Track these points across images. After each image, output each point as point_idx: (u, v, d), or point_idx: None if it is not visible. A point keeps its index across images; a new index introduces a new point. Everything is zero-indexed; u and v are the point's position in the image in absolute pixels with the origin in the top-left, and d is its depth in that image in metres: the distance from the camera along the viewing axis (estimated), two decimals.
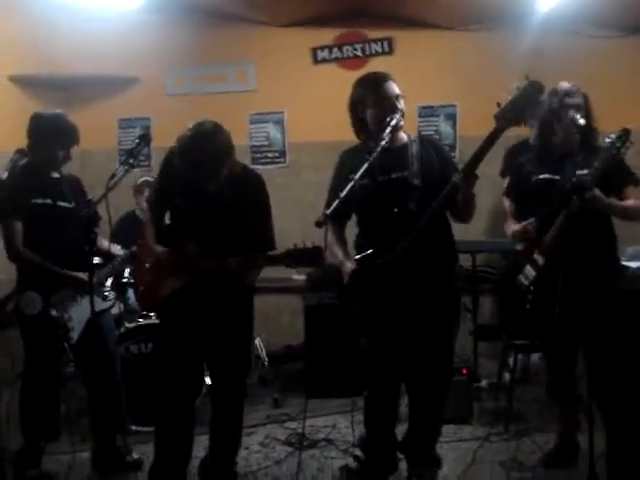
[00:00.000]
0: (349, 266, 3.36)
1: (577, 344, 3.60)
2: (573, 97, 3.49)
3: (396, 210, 3.28)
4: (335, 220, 3.39)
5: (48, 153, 3.82)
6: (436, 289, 3.31)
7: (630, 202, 3.43)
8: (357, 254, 3.41)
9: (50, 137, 3.79)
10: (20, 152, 3.68)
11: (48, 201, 3.81)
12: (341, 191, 3.09)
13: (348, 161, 3.44)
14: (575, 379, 3.73)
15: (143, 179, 5.51)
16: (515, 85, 2.97)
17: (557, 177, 3.51)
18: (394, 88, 3.35)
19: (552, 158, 3.56)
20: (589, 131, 3.50)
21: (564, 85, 3.55)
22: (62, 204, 3.85)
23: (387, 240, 3.26)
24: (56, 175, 3.91)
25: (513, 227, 3.65)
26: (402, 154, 3.35)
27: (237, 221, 3.45)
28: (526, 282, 3.55)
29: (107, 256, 4.00)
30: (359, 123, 3.43)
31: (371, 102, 3.33)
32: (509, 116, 2.96)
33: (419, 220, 3.17)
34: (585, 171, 3.29)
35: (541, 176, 3.56)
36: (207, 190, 3.45)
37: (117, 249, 4.08)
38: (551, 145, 3.58)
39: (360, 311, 3.34)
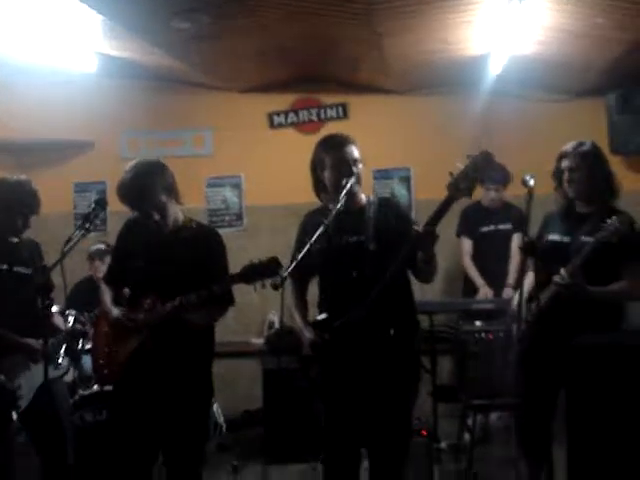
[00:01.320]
0: (307, 334, 3.34)
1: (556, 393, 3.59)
2: (566, 159, 3.54)
3: (354, 274, 3.28)
4: (295, 281, 3.40)
5: (8, 219, 3.78)
6: (396, 354, 3.29)
7: (619, 285, 3.45)
8: (319, 314, 3.40)
9: (11, 204, 3.75)
10: None
11: (4, 266, 3.75)
12: (299, 253, 3.11)
13: (309, 223, 3.44)
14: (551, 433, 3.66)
15: (96, 247, 5.47)
16: (466, 155, 3.04)
17: (566, 239, 3.55)
18: (353, 152, 3.37)
19: (570, 217, 3.60)
20: (600, 186, 3.53)
21: (563, 147, 3.60)
22: (18, 269, 3.79)
23: (344, 304, 3.25)
24: (15, 240, 3.85)
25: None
26: (359, 217, 3.37)
27: (193, 273, 3.42)
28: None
29: (60, 324, 3.93)
30: (318, 184, 3.45)
31: (329, 164, 3.35)
32: (461, 186, 3.02)
33: (376, 284, 3.16)
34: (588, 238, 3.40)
35: (550, 237, 3.61)
36: (161, 244, 3.46)
37: (61, 322, 4.01)
38: (571, 204, 3.63)
39: (319, 375, 3.31)
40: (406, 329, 3.36)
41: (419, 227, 3.11)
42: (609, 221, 3.34)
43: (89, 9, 4.20)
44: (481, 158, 3.01)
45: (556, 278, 3.43)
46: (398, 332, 3.29)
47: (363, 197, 3.46)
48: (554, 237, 3.61)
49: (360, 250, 3.29)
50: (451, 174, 3.02)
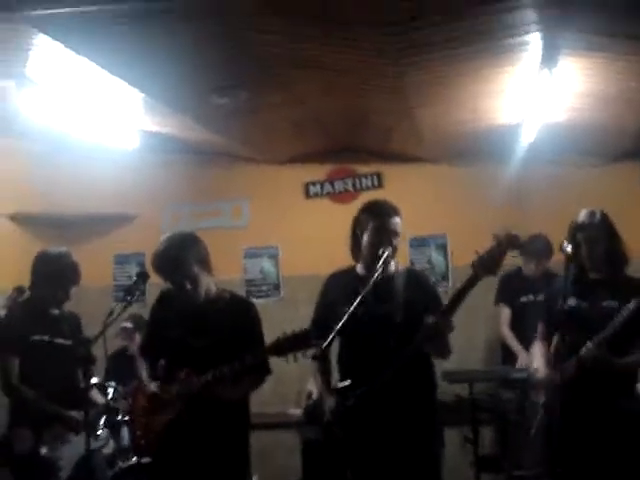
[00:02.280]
0: (329, 401, 3.33)
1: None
2: (583, 231, 3.58)
3: (377, 344, 3.28)
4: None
5: (49, 291, 3.87)
6: (416, 413, 3.28)
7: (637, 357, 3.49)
8: (339, 374, 3.40)
9: (52, 276, 3.84)
10: (18, 289, 3.73)
11: (46, 338, 3.82)
12: (331, 320, 3.10)
13: (333, 286, 3.48)
14: None
15: (124, 325, 5.51)
16: (493, 235, 3.07)
17: (585, 304, 3.57)
18: (396, 224, 3.39)
19: (584, 283, 3.62)
20: (614, 256, 3.58)
21: (579, 218, 3.63)
22: (59, 341, 3.86)
23: (365, 373, 3.24)
24: (56, 312, 3.93)
25: None
26: (387, 287, 3.36)
27: (227, 344, 3.43)
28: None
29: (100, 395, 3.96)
30: (355, 245, 3.47)
31: (370, 229, 3.38)
32: (485, 266, 3.04)
33: (396, 356, 3.16)
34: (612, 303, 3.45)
35: (569, 302, 3.60)
36: (194, 316, 3.50)
37: (98, 395, 4.04)
38: (583, 271, 3.65)
39: (344, 443, 3.28)
40: (423, 390, 3.36)
41: (432, 318, 3.11)
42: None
43: (131, 88, 4.36)
44: (506, 241, 3.04)
45: (583, 351, 3.43)
46: (416, 394, 3.29)
47: (393, 265, 3.46)
48: (571, 303, 3.59)
49: (386, 321, 3.30)
50: (477, 252, 3.05)
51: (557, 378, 3.50)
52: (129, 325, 5.50)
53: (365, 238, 3.40)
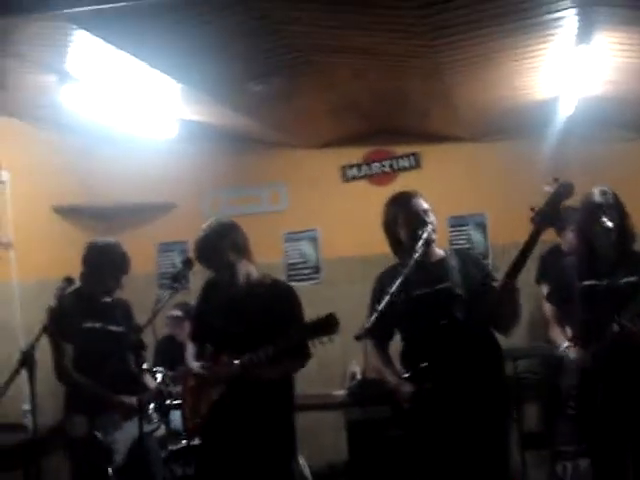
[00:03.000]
0: (406, 388, 3.29)
1: (627, 450, 3.53)
2: (604, 209, 3.58)
3: (444, 322, 3.26)
4: (376, 338, 3.40)
5: (100, 281, 3.97)
6: (487, 393, 3.25)
7: None
8: (405, 371, 3.38)
9: (103, 266, 3.94)
10: (68, 280, 3.82)
11: (98, 325, 3.92)
12: (388, 310, 3.09)
13: (386, 278, 3.41)
14: None
15: (174, 314, 5.59)
16: (546, 188, 3.05)
17: (603, 282, 3.55)
18: (421, 203, 3.41)
19: (594, 264, 3.62)
20: (625, 234, 3.59)
21: (594, 196, 3.63)
22: (112, 328, 3.95)
23: (438, 353, 3.22)
24: (107, 300, 4.03)
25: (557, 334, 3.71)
26: (441, 267, 3.38)
27: (268, 328, 3.49)
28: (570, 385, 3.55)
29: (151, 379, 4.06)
30: (395, 242, 3.47)
31: (402, 220, 3.40)
32: (546, 218, 3.02)
33: (467, 330, 3.16)
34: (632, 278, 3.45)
35: (586, 282, 3.60)
36: (235, 302, 3.58)
37: (150, 380, 4.13)
38: (592, 251, 3.65)
39: (416, 426, 3.28)
40: (492, 366, 3.34)
41: (497, 281, 3.11)
42: None
43: (169, 78, 4.42)
44: (563, 189, 3.02)
45: (615, 327, 3.40)
46: (485, 372, 3.27)
47: (440, 251, 3.47)
48: (590, 282, 3.58)
49: (448, 296, 3.29)
50: (532, 209, 3.03)
51: (589, 360, 3.48)
52: (179, 313, 5.58)
53: (401, 230, 3.41)
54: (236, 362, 3.45)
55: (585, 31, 3.75)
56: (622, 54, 4.24)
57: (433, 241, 3.39)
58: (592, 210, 3.61)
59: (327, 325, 3.29)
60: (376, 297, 3.40)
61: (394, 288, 3.11)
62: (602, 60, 4.28)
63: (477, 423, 3.22)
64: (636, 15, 3.62)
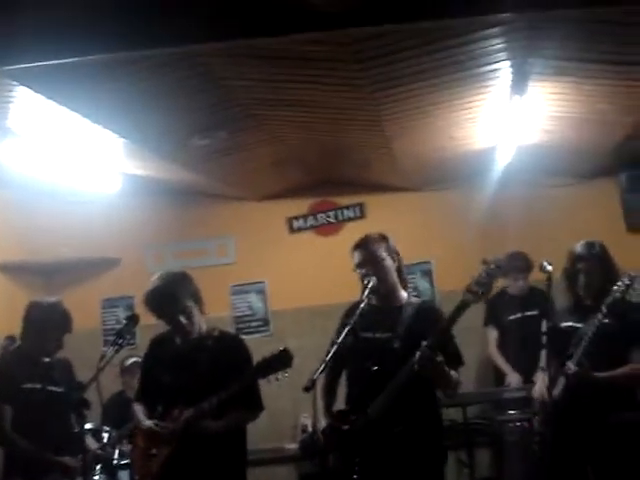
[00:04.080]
0: (322, 421, 3.35)
1: None
2: (581, 262, 3.71)
3: (375, 368, 3.30)
4: (328, 373, 3.38)
5: (41, 341, 3.88)
6: (419, 453, 3.25)
7: (622, 370, 3.54)
8: (346, 403, 3.41)
9: (44, 327, 3.86)
10: (10, 338, 3.74)
11: (38, 386, 3.82)
12: (328, 352, 3.14)
13: (344, 320, 3.44)
14: None
15: (133, 360, 5.49)
16: (482, 260, 3.12)
17: (579, 325, 3.66)
18: (372, 251, 3.42)
19: (579, 307, 3.75)
20: (610, 285, 3.65)
21: (577, 249, 3.77)
22: (51, 388, 3.86)
23: (363, 397, 3.26)
24: (47, 359, 3.94)
25: None
26: (393, 315, 3.40)
27: (219, 381, 3.44)
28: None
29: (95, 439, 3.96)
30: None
31: (354, 265, 3.45)
32: (476, 295, 3.07)
33: (393, 383, 3.17)
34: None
35: (564, 324, 3.72)
36: (186, 356, 3.53)
37: (93, 442, 4.04)
38: (577, 296, 3.78)
39: (338, 469, 3.29)
40: (426, 425, 3.33)
41: (423, 346, 3.10)
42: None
43: (112, 134, 4.41)
44: (495, 267, 3.09)
45: (566, 366, 3.52)
46: (415, 429, 3.25)
47: (404, 296, 3.50)
48: (568, 324, 3.72)
49: (385, 347, 3.32)
50: (484, 262, 3.09)
51: (548, 398, 3.56)
52: (135, 359, 5.42)
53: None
54: (185, 413, 3.40)
55: (520, 82, 3.89)
56: (556, 104, 4.40)
57: (388, 290, 3.40)
58: (569, 259, 3.76)
59: (283, 359, 3.32)
60: (337, 334, 3.44)
61: (340, 338, 3.14)
62: (537, 110, 4.43)
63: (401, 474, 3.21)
64: (567, 66, 3.77)
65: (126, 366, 5.49)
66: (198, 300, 3.63)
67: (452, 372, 3.24)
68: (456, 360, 3.31)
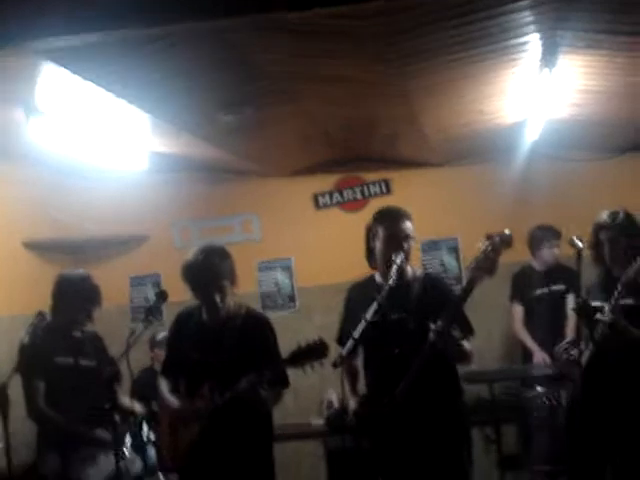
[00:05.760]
0: (352, 404, 3.37)
1: (605, 470, 3.54)
2: (606, 231, 3.66)
3: (397, 351, 3.31)
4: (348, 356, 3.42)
5: (71, 314, 3.91)
6: (443, 426, 3.28)
7: None
8: (365, 382, 3.45)
9: (73, 299, 3.89)
10: (40, 315, 3.77)
11: (70, 360, 3.86)
12: (353, 329, 3.14)
13: (355, 296, 3.50)
14: None
15: (164, 334, 5.53)
16: (479, 245, 3.09)
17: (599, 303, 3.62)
18: (406, 227, 3.43)
19: (608, 281, 3.69)
20: (635, 253, 3.60)
21: (600, 217, 3.72)
22: (84, 363, 3.90)
23: (388, 380, 3.27)
24: (78, 334, 3.97)
25: None
26: (404, 293, 3.39)
27: (245, 359, 3.47)
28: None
29: (126, 414, 3.99)
30: (368, 251, 3.51)
31: (381, 237, 3.42)
32: (481, 267, 3.06)
33: (411, 364, 3.18)
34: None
35: (594, 303, 3.67)
36: (213, 332, 3.55)
37: (138, 407, 4.08)
38: (605, 268, 3.74)
39: (372, 451, 3.29)
40: (448, 400, 3.35)
41: (436, 326, 3.10)
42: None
43: (138, 110, 4.41)
44: (499, 240, 3.05)
45: (599, 315, 3.46)
46: (440, 404, 3.28)
47: (409, 271, 3.48)
48: (596, 304, 3.64)
49: (401, 329, 3.32)
50: (488, 236, 3.07)
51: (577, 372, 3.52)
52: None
53: (378, 246, 3.43)
54: (222, 394, 3.39)
55: (549, 55, 3.82)
56: (586, 77, 4.33)
57: (404, 268, 3.40)
58: (593, 230, 3.71)
59: (319, 349, 3.29)
60: (345, 316, 3.49)
61: (369, 315, 3.13)
62: (567, 83, 4.36)
63: (427, 451, 3.25)
64: (598, 39, 3.70)
65: (157, 340, 5.53)
66: (233, 281, 3.61)
67: (465, 343, 3.23)
68: (467, 329, 3.30)
